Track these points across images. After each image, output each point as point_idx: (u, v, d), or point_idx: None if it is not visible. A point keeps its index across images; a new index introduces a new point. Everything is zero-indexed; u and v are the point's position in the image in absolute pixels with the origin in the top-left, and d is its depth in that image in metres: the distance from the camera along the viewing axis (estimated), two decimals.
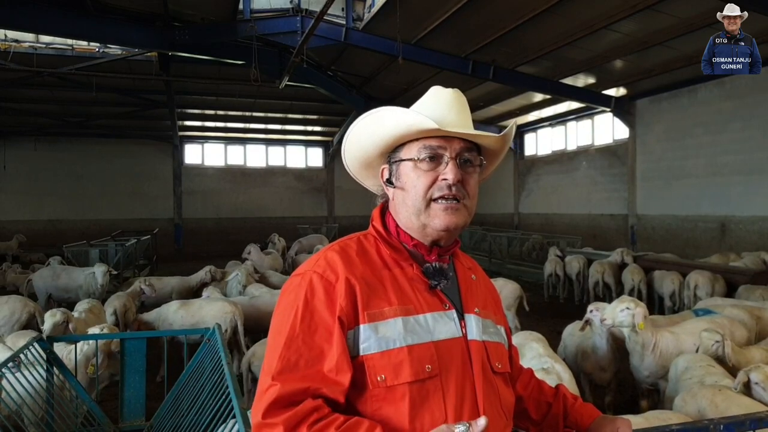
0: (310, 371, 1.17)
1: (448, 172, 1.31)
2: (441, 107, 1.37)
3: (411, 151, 1.35)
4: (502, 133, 1.41)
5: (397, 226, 1.41)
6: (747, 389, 3.58)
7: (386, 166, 1.43)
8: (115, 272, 9.67)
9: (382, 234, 1.40)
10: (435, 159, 1.33)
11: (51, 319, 5.10)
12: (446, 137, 1.33)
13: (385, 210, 1.46)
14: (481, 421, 1.05)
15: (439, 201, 1.31)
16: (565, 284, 11.66)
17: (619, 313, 4.67)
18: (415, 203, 1.33)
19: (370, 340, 1.22)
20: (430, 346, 1.25)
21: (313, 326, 1.22)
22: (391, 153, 1.41)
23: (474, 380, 1.28)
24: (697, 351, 4.45)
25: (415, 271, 1.35)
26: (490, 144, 1.41)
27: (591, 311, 5.03)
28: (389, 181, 1.41)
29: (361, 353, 1.22)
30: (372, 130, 1.39)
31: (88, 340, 4.49)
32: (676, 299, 8.68)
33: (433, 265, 1.36)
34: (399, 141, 1.38)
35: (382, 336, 1.23)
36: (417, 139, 1.34)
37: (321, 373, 1.17)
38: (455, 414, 1.22)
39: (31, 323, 6.76)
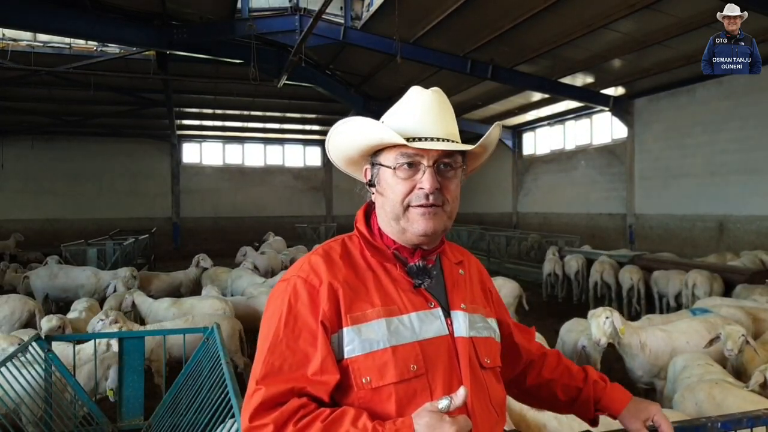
0: (294, 375, 1.18)
1: (425, 182, 1.30)
2: (417, 113, 1.35)
3: (389, 158, 1.34)
4: (477, 144, 1.39)
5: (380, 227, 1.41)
6: (763, 389, 3.56)
7: (368, 167, 1.43)
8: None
9: (365, 236, 1.40)
10: (413, 166, 1.32)
11: (47, 324, 5.14)
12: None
13: (369, 210, 1.47)
14: (461, 392, 1.08)
15: (418, 207, 1.31)
16: (564, 283, 11.67)
17: (605, 327, 4.68)
18: (394, 209, 1.33)
19: (354, 342, 1.23)
20: (415, 346, 1.25)
21: (297, 331, 1.23)
22: (372, 155, 1.41)
23: (461, 377, 1.28)
24: (711, 343, 4.40)
25: (398, 272, 1.35)
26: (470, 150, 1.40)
27: (583, 346, 5.05)
28: (371, 184, 1.41)
29: (346, 356, 1.23)
30: (349, 137, 1.40)
31: (87, 339, 4.49)
32: (676, 299, 8.68)
33: (417, 264, 1.36)
34: (375, 149, 1.38)
35: (366, 338, 1.23)
36: (395, 146, 1.33)
37: (305, 376, 1.18)
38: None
39: (31, 322, 6.76)
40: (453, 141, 1.35)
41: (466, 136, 1.43)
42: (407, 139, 1.30)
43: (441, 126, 1.35)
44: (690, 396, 3.63)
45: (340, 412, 1.13)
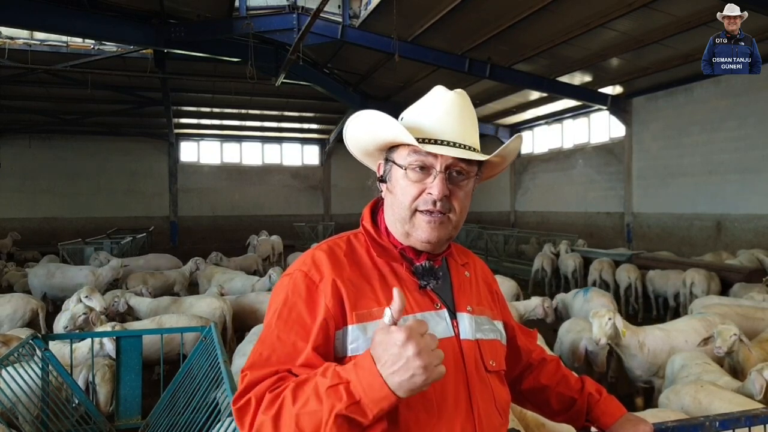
0: (281, 367, 1.17)
1: (434, 188, 1.27)
2: (437, 113, 1.32)
3: (402, 155, 1.33)
4: (494, 153, 1.35)
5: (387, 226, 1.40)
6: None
7: (382, 161, 1.41)
8: (126, 265, 9.76)
9: (371, 234, 1.39)
10: (424, 169, 1.30)
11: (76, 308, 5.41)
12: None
13: (376, 208, 1.45)
14: (395, 294, 1.05)
15: (425, 213, 1.29)
16: (560, 281, 11.66)
17: (607, 328, 4.70)
18: (401, 212, 1.32)
19: (359, 340, 1.22)
20: None
21: (289, 323, 1.21)
22: (387, 150, 1.39)
23: (467, 380, 1.27)
24: (706, 342, 4.41)
25: (405, 271, 1.33)
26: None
27: (585, 346, 5.08)
28: (382, 179, 1.40)
29: (350, 354, 1.21)
30: (365, 130, 1.39)
31: (84, 337, 4.48)
32: (675, 298, 8.68)
33: (423, 264, 1.34)
34: (389, 145, 1.36)
35: (371, 336, 1.20)
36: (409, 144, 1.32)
37: (290, 369, 1.17)
38: (449, 414, 1.21)
39: (34, 321, 6.78)
40: (470, 147, 1.31)
41: None
42: (423, 140, 1.27)
43: (459, 130, 1.31)
44: (675, 399, 3.63)
45: (312, 373, 1.11)
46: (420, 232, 1.30)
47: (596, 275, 10.09)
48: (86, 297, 6.06)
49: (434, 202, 1.28)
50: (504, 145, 1.36)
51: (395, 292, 1.05)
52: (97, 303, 5.93)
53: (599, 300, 6.93)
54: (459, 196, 1.32)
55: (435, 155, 1.28)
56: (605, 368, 4.94)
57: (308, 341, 1.18)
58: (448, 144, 1.28)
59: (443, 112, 1.32)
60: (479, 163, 1.35)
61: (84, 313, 5.43)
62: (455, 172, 1.31)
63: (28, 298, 7.11)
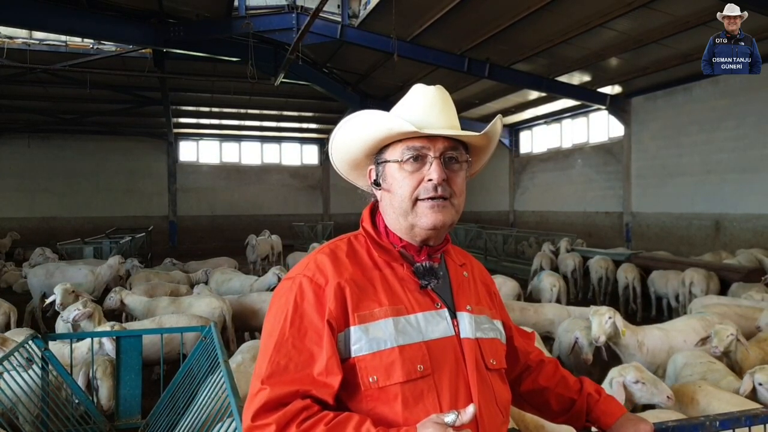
0: (300, 374, 1.18)
1: (433, 173, 1.31)
2: (423, 107, 1.37)
3: (395, 152, 1.35)
4: (483, 131, 1.39)
5: (386, 226, 1.41)
6: (752, 392, 3.54)
7: (373, 167, 1.42)
8: (123, 261, 9.67)
9: (371, 235, 1.40)
10: (419, 159, 1.33)
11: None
12: (429, 137, 1.33)
13: (375, 209, 1.47)
14: (470, 409, 1.08)
15: (426, 200, 1.32)
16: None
17: (606, 326, 4.70)
18: (402, 205, 1.34)
19: (361, 341, 1.23)
20: (422, 346, 1.26)
21: (302, 330, 1.22)
22: (377, 154, 1.41)
23: (468, 378, 1.29)
24: (704, 342, 4.42)
25: (405, 271, 1.35)
26: (475, 141, 1.41)
27: (577, 338, 5.10)
28: (376, 183, 1.41)
29: (353, 355, 1.23)
30: (355, 134, 1.40)
31: (84, 337, 4.47)
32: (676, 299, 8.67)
33: (424, 264, 1.36)
34: (382, 143, 1.38)
35: (373, 337, 1.23)
36: (401, 140, 1.34)
37: (311, 376, 1.18)
38: None
39: (8, 325, 6.79)
40: None
41: None
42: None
43: (444, 120, 1.36)
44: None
45: (344, 416, 1.13)
46: (424, 219, 1.32)
47: (602, 273, 10.05)
48: (53, 293, 6.22)
49: (435, 188, 1.31)
50: (490, 125, 1.41)
51: (471, 407, 1.09)
52: (58, 297, 6.09)
53: (548, 279, 8.43)
54: (456, 180, 1.35)
55: (428, 145, 1.32)
56: (590, 361, 4.94)
57: (323, 346, 1.20)
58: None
59: (427, 105, 1.37)
60: (467, 149, 1.40)
61: (76, 311, 5.42)
62: (448, 158, 1.34)
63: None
